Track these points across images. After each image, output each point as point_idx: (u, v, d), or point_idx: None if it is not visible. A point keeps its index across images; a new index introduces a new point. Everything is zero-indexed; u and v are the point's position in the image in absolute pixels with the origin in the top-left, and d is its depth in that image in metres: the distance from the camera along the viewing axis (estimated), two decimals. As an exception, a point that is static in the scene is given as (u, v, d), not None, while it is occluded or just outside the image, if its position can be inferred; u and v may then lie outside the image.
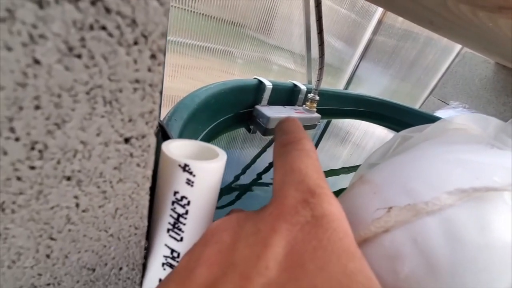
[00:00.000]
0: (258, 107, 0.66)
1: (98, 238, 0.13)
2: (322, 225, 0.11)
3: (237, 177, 0.48)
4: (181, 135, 0.41)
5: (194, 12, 0.79)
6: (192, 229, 0.16)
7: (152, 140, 0.11)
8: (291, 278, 0.10)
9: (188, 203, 0.15)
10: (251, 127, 0.65)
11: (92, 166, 0.11)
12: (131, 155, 0.11)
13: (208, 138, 0.56)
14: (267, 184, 0.47)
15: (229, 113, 0.62)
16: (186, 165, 0.14)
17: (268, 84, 0.66)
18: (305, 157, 0.14)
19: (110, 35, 0.09)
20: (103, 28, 0.08)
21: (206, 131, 0.55)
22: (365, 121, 0.90)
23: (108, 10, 0.08)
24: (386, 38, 1.05)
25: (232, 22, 0.85)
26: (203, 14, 0.81)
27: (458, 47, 1.18)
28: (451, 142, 0.22)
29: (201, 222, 0.16)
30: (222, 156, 0.17)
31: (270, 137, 0.63)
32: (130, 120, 0.10)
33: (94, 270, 0.14)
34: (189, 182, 0.15)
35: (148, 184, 0.13)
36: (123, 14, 0.08)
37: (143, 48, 0.09)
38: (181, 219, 0.15)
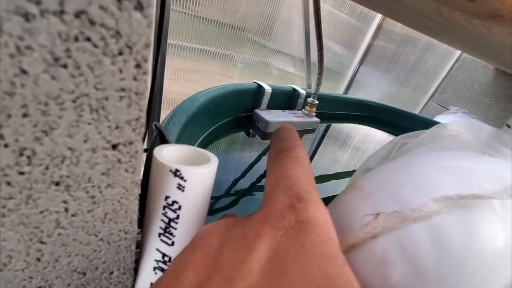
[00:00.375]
0: (257, 111, 0.66)
1: (88, 242, 0.13)
2: (306, 229, 0.11)
3: (236, 181, 0.48)
4: (179, 139, 0.42)
5: (194, 15, 0.79)
6: (183, 233, 0.16)
7: (140, 146, 0.12)
8: (272, 282, 0.10)
9: (179, 207, 0.15)
10: (250, 131, 0.66)
11: (80, 171, 0.11)
12: (119, 161, 0.11)
13: (207, 142, 0.56)
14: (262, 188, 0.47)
15: (229, 117, 0.63)
16: (177, 170, 0.15)
17: (268, 88, 0.66)
18: (297, 164, 0.14)
19: (95, 46, 0.09)
20: (88, 39, 0.09)
21: (205, 134, 0.56)
22: (365, 126, 0.90)
23: (92, 22, 0.08)
24: (386, 43, 1.05)
25: (233, 26, 0.86)
26: (203, 17, 0.81)
27: (458, 52, 1.18)
28: (444, 149, 0.22)
29: (192, 226, 0.16)
30: (214, 161, 0.17)
31: (269, 141, 0.63)
32: (117, 127, 0.11)
33: (84, 274, 0.14)
34: (180, 187, 0.15)
35: (137, 190, 0.13)
36: (107, 26, 0.09)
37: (128, 58, 0.10)
38: (172, 224, 0.16)
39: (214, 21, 0.83)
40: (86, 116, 0.10)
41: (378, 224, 0.15)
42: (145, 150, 0.37)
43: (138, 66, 0.10)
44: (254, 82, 0.67)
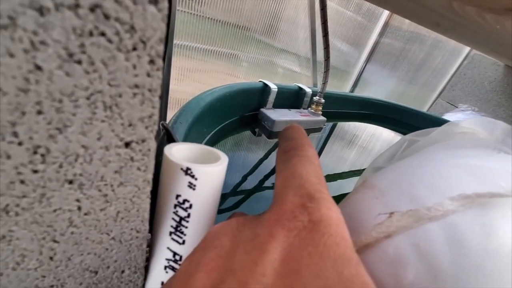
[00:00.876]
0: (263, 110, 0.66)
1: (100, 241, 0.13)
2: (319, 230, 0.11)
3: (243, 180, 0.48)
4: (186, 138, 0.42)
5: (200, 16, 0.79)
6: (194, 232, 0.16)
7: (153, 144, 0.12)
8: (286, 285, 0.10)
9: (190, 206, 0.15)
10: (257, 130, 0.65)
11: (93, 170, 0.11)
12: (132, 159, 0.11)
13: (213, 141, 0.56)
14: (273, 187, 0.47)
15: (235, 116, 0.63)
16: (188, 169, 0.14)
17: (273, 87, 0.66)
18: (306, 163, 0.14)
19: (109, 41, 0.09)
20: (102, 34, 0.09)
21: (211, 133, 0.56)
22: (372, 124, 0.89)
23: (107, 17, 0.08)
24: (393, 40, 1.04)
25: (238, 25, 0.86)
26: (209, 17, 0.81)
27: (466, 49, 1.16)
28: (458, 147, 0.21)
29: (203, 225, 0.16)
30: (224, 159, 0.17)
31: (275, 140, 0.63)
32: (130, 125, 0.10)
33: (96, 272, 0.14)
34: (191, 186, 0.15)
35: (148, 188, 0.13)
36: (122, 20, 0.09)
37: (142, 53, 0.09)
38: (183, 222, 0.15)
39: (219, 21, 0.83)
40: (99, 113, 0.10)
41: (392, 223, 0.15)
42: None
43: (151, 62, 0.10)
44: (260, 81, 0.67)
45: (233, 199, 0.43)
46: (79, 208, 0.11)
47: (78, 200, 0.11)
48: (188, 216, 0.15)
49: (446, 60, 1.22)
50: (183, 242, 0.16)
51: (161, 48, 0.10)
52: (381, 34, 0.99)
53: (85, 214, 0.12)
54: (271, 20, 0.88)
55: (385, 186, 0.18)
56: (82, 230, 0.12)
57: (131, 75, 0.10)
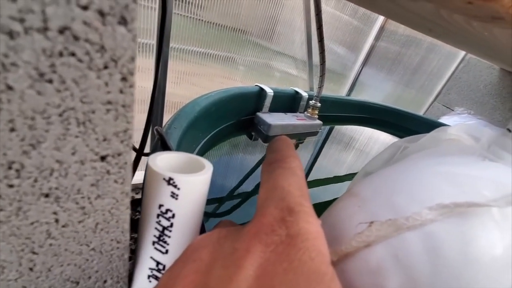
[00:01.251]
0: (259, 114, 0.66)
1: (80, 252, 0.13)
2: (295, 244, 0.11)
3: (240, 183, 0.48)
4: (181, 143, 0.42)
5: (197, 19, 0.80)
6: (177, 241, 0.16)
7: (129, 157, 0.12)
8: None
9: (173, 216, 0.15)
10: (253, 134, 0.66)
11: (69, 183, 0.11)
12: (108, 172, 0.12)
13: (209, 145, 0.56)
14: None
15: (231, 120, 0.63)
16: (170, 179, 0.15)
17: (269, 91, 0.66)
18: (289, 175, 0.14)
19: (80, 60, 0.09)
20: (73, 54, 0.09)
21: (207, 138, 0.56)
22: (369, 127, 0.90)
23: (76, 38, 0.09)
24: (389, 44, 1.04)
25: (235, 28, 0.86)
26: (206, 21, 0.82)
27: (462, 53, 1.16)
28: (442, 154, 0.21)
29: (187, 234, 0.16)
30: (208, 168, 0.17)
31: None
32: (104, 140, 0.11)
33: (78, 283, 0.14)
34: (173, 195, 0.15)
35: (127, 200, 0.13)
36: (92, 41, 0.09)
37: (114, 71, 0.10)
38: (166, 232, 0.16)
39: (217, 24, 0.84)
40: (73, 129, 0.10)
41: (372, 232, 0.15)
42: (147, 154, 0.37)
43: (124, 79, 0.10)
44: (256, 85, 0.67)
45: (230, 203, 0.43)
46: (57, 221, 0.12)
47: (55, 213, 0.11)
48: (171, 225, 0.16)
49: (442, 63, 1.23)
50: (166, 252, 0.16)
51: (132, 66, 0.10)
52: (377, 38, 0.99)
53: (63, 226, 0.12)
54: (268, 23, 0.88)
55: (367, 194, 0.18)
56: (60, 242, 0.12)
57: (103, 92, 0.10)
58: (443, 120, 0.93)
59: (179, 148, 0.39)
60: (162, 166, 0.15)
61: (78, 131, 0.10)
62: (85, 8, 0.08)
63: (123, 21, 0.09)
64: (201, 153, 0.53)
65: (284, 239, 0.11)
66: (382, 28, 0.97)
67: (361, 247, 0.15)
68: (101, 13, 0.09)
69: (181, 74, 0.87)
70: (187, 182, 0.15)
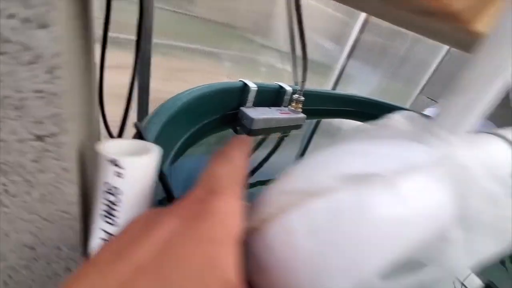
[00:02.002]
0: (243, 108, 0.68)
1: (31, 220, 0.16)
2: (204, 218, 0.12)
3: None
4: (159, 137, 0.44)
5: (184, 14, 0.82)
6: (126, 215, 0.18)
7: (66, 138, 0.14)
8: (157, 265, 0.11)
9: (120, 192, 0.18)
10: (238, 128, 0.68)
11: (14, 159, 0.13)
12: (47, 150, 0.14)
13: (194, 140, 0.58)
14: (254, 185, 0.49)
15: (214, 115, 0.65)
16: (114, 160, 0.17)
17: (253, 86, 0.68)
18: (225, 164, 0.15)
19: (11, 57, 0.11)
20: (4, 53, 0.11)
21: (190, 132, 0.58)
22: (354, 120, 0.92)
23: (6, 41, 0.11)
24: (374, 37, 1.06)
25: (223, 23, 0.88)
26: (194, 16, 0.83)
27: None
28: (372, 136, 0.24)
29: (135, 209, 0.19)
30: (154, 151, 0.19)
31: (257, 137, 0.65)
32: (39, 122, 0.13)
33: (34, 248, 0.17)
34: (119, 175, 0.17)
35: (70, 175, 0.15)
36: (18, 42, 0.11)
37: (40, 66, 0.12)
38: (114, 207, 0.18)
39: (205, 18, 0.85)
40: (11, 113, 0.12)
41: (286, 201, 0.17)
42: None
43: (49, 72, 0.12)
44: (240, 80, 0.69)
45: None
46: (6, 191, 0.14)
47: (4, 184, 0.14)
48: (119, 201, 0.18)
49: (427, 56, 1.24)
50: (116, 224, 0.18)
51: (56, 61, 0.12)
52: (362, 30, 1.00)
53: (13, 196, 0.14)
54: (254, 16, 0.90)
55: (292, 171, 0.20)
56: (12, 210, 0.15)
57: (33, 82, 0.12)
58: (427, 112, 0.95)
59: (157, 142, 0.41)
60: (108, 150, 0.18)
61: (15, 115, 0.12)
62: (11, 16, 0.11)
63: (43, 25, 0.11)
64: (185, 147, 0.55)
65: (197, 214, 0.12)
66: (366, 21, 0.98)
67: (278, 213, 0.18)
68: (25, 20, 0.11)
69: (172, 71, 0.89)
70: (131, 162, 0.17)
